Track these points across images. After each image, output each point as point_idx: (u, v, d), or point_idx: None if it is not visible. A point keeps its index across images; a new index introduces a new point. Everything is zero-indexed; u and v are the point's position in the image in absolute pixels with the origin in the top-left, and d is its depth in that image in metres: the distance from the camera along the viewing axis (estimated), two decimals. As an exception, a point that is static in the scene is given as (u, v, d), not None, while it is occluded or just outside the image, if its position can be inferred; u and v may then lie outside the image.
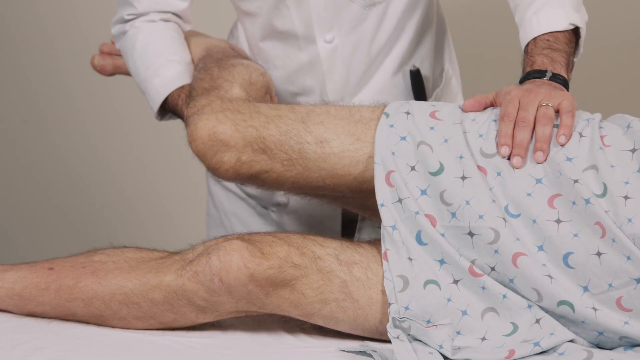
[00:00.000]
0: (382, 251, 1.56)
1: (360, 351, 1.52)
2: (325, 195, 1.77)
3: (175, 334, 1.60)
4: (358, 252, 1.58)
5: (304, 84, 1.98)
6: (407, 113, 1.63)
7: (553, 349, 1.50)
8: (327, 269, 1.55)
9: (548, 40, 1.66)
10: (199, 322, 1.61)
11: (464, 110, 1.64)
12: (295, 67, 1.98)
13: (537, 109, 1.55)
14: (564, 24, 1.67)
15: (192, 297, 1.56)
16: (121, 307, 1.60)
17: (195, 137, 1.70)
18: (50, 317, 1.66)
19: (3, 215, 3.28)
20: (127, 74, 2.17)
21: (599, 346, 1.53)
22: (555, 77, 1.62)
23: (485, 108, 1.65)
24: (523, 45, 1.70)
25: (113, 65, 2.23)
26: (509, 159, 1.56)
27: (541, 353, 1.50)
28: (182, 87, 1.93)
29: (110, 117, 3.14)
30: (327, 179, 1.67)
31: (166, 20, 2.01)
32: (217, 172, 1.71)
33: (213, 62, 1.92)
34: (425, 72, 2.00)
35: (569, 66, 1.66)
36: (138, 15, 2.00)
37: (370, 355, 1.51)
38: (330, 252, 1.56)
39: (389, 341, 1.51)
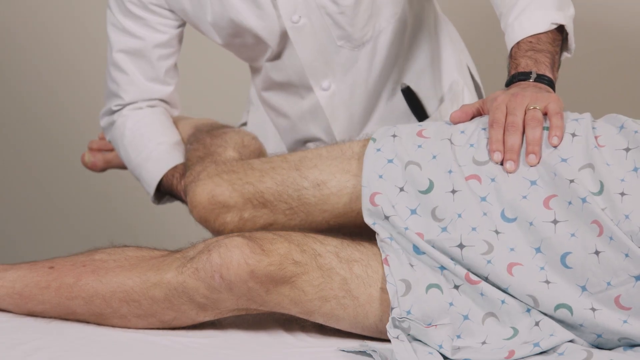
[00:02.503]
0: (383, 257, 1.56)
1: (360, 351, 1.52)
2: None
3: (175, 334, 1.60)
4: (358, 250, 1.58)
5: (309, 131, 2.01)
6: (394, 136, 1.65)
7: (553, 349, 1.50)
8: (327, 266, 1.55)
9: (531, 42, 1.65)
10: (199, 320, 1.61)
11: (452, 121, 1.64)
12: (298, 115, 2.01)
13: (525, 113, 1.56)
14: (545, 25, 1.66)
15: (192, 294, 1.56)
16: (121, 305, 1.60)
17: (196, 203, 1.73)
18: (50, 316, 1.66)
19: (3, 215, 3.28)
20: (119, 167, 2.22)
21: (599, 347, 1.53)
22: (541, 78, 1.62)
23: (472, 117, 1.65)
24: (508, 51, 1.70)
25: (104, 160, 2.26)
26: (502, 164, 1.56)
27: (541, 353, 1.50)
28: (175, 167, 1.95)
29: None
30: (331, 221, 1.68)
31: (153, 106, 2.02)
32: (222, 234, 1.72)
33: (204, 133, 1.96)
34: (424, 87, 2.00)
35: (555, 65, 1.65)
36: (125, 105, 2.01)
37: (370, 355, 1.51)
38: (330, 249, 1.57)
39: (388, 340, 1.51)
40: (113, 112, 2.03)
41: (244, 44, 1.96)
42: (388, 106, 1.99)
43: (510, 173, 1.54)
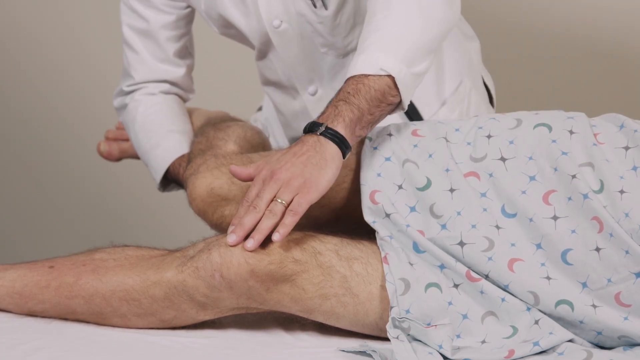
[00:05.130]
0: (382, 256, 1.56)
1: (360, 351, 1.52)
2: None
3: (175, 334, 1.60)
4: (358, 248, 1.58)
5: (302, 130, 2.00)
6: (389, 134, 1.66)
7: (552, 348, 1.51)
8: (327, 264, 1.55)
9: (349, 92, 1.59)
10: (200, 319, 1.61)
11: (234, 174, 1.61)
12: (292, 114, 2.01)
13: (272, 200, 1.53)
14: (372, 69, 1.59)
15: (192, 293, 1.56)
16: (121, 304, 1.60)
17: (195, 196, 1.74)
18: (50, 316, 1.66)
19: (3, 215, 3.29)
20: (134, 157, 2.22)
21: (599, 346, 1.53)
22: (329, 132, 1.56)
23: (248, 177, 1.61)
24: None
25: (119, 149, 2.27)
26: (502, 160, 1.57)
27: (540, 353, 1.50)
28: (182, 157, 1.96)
29: (111, 116, 3.13)
30: (329, 215, 1.70)
31: (166, 93, 2.02)
32: (220, 227, 1.74)
33: (210, 126, 1.97)
34: (421, 92, 1.97)
35: (361, 122, 1.58)
36: (137, 87, 2.02)
37: (370, 355, 1.51)
38: (330, 247, 1.57)
39: (388, 339, 1.51)
40: (126, 93, 2.04)
41: (237, 36, 1.96)
42: None
43: (230, 246, 1.52)
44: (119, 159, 2.30)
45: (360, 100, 1.58)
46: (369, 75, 1.59)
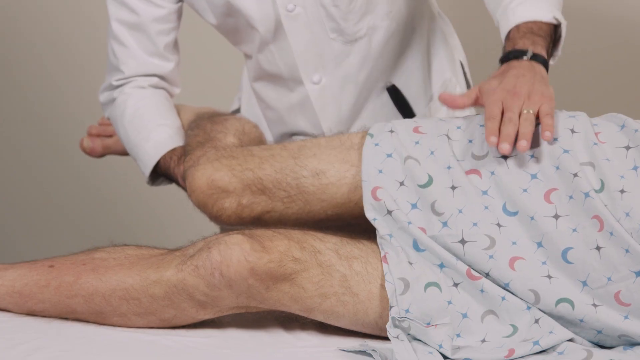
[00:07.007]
0: (382, 255, 1.56)
1: (360, 351, 1.52)
2: (330, 227, 1.78)
3: (174, 334, 1.60)
4: (357, 247, 1.58)
5: (297, 124, 2.01)
6: (391, 131, 1.66)
7: (552, 348, 1.51)
8: (327, 263, 1.55)
9: (531, 27, 1.66)
10: (199, 318, 1.61)
11: (452, 104, 1.64)
12: (287, 108, 2.01)
13: (520, 114, 1.57)
14: (548, 16, 1.68)
15: (192, 291, 1.56)
16: (121, 303, 1.60)
17: (195, 188, 1.73)
18: (50, 315, 1.66)
19: (3, 215, 3.29)
20: (118, 153, 2.21)
21: (599, 344, 1.53)
22: (536, 57, 1.63)
23: (473, 104, 1.65)
24: (504, 34, 1.70)
25: (102, 145, 2.25)
26: (504, 158, 1.57)
27: (540, 352, 1.50)
28: (173, 150, 1.95)
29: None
30: (328, 210, 1.69)
31: (155, 86, 2.02)
32: (219, 219, 1.74)
33: (205, 119, 1.97)
34: (413, 86, 2.00)
35: (548, 55, 1.67)
36: (126, 81, 2.01)
37: (370, 355, 1.51)
38: (330, 246, 1.57)
39: (388, 339, 1.51)
40: (114, 88, 2.03)
41: (237, 27, 1.96)
42: (377, 104, 2.00)
43: (505, 155, 1.56)
44: (102, 155, 2.29)
45: (541, 36, 1.65)
46: (539, 21, 1.67)
